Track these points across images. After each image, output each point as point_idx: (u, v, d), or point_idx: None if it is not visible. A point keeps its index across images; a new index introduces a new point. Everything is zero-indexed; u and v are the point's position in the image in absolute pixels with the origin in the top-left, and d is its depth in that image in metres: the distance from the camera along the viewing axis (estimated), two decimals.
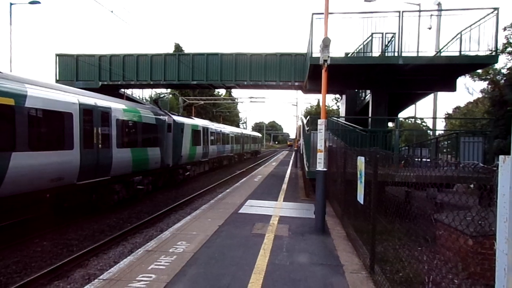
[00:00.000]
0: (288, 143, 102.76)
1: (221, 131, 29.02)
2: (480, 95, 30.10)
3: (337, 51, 11.01)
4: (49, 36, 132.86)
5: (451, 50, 11.63)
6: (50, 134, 9.17)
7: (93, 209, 11.33)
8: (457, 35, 11.28)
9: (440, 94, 19.03)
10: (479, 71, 22.43)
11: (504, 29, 21.89)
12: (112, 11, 11.55)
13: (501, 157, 1.76)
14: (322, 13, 8.66)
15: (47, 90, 9.00)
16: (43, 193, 9.10)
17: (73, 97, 9.88)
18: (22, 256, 7.48)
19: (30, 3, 20.17)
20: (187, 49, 51.15)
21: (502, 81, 22.90)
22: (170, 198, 14.69)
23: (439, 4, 17.21)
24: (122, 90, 20.92)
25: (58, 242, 8.46)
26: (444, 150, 13.08)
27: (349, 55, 12.81)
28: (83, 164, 9.91)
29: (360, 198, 5.75)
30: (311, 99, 65.52)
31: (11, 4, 20.63)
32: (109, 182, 11.47)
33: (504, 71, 23.18)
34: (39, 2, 20.20)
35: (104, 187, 11.41)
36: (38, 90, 8.59)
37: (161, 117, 15.91)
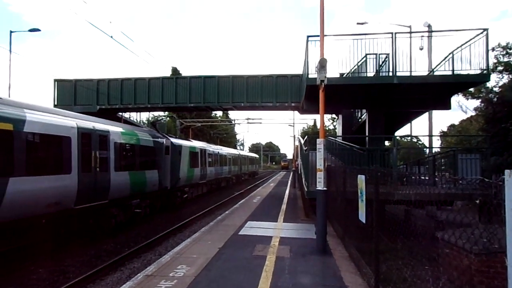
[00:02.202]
0: (282, 164, 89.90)
1: (218, 152, 29.00)
2: (473, 113, 30.44)
3: (332, 72, 11.16)
4: (49, 61, 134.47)
5: (444, 70, 11.88)
6: (49, 158, 9.12)
7: (90, 234, 11.12)
8: (449, 55, 11.55)
9: (435, 112, 19.29)
10: (472, 89, 22.83)
11: (493, 49, 22.48)
12: (111, 36, 11.78)
13: (507, 171, 1.73)
14: (317, 36, 8.89)
15: (45, 115, 9.02)
16: (39, 218, 8.94)
17: (71, 121, 9.91)
18: (17, 285, 7.26)
19: (30, 30, 20.56)
20: (185, 72, 51.82)
21: (495, 99, 23.28)
22: (168, 221, 14.46)
23: (429, 26, 17.72)
24: (120, 113, 21.00)
25: (54, 269, 8.24)
26: (442, 167, 13.10)
27: (344, 76, 13.04)
28: (81, 188, 9.81)
29: (362, 217, 5.71)
30: (308, 119, 65.77)
31: (11, 32, 21.01)
32: (106, 206, 11.32)
33: (496, 89, 23.63)
34: (39, 30, 20.61)
35: (102, 211, 11.25)
36: (36, 115, 8.61)
37: (159, 139, 15.92)
